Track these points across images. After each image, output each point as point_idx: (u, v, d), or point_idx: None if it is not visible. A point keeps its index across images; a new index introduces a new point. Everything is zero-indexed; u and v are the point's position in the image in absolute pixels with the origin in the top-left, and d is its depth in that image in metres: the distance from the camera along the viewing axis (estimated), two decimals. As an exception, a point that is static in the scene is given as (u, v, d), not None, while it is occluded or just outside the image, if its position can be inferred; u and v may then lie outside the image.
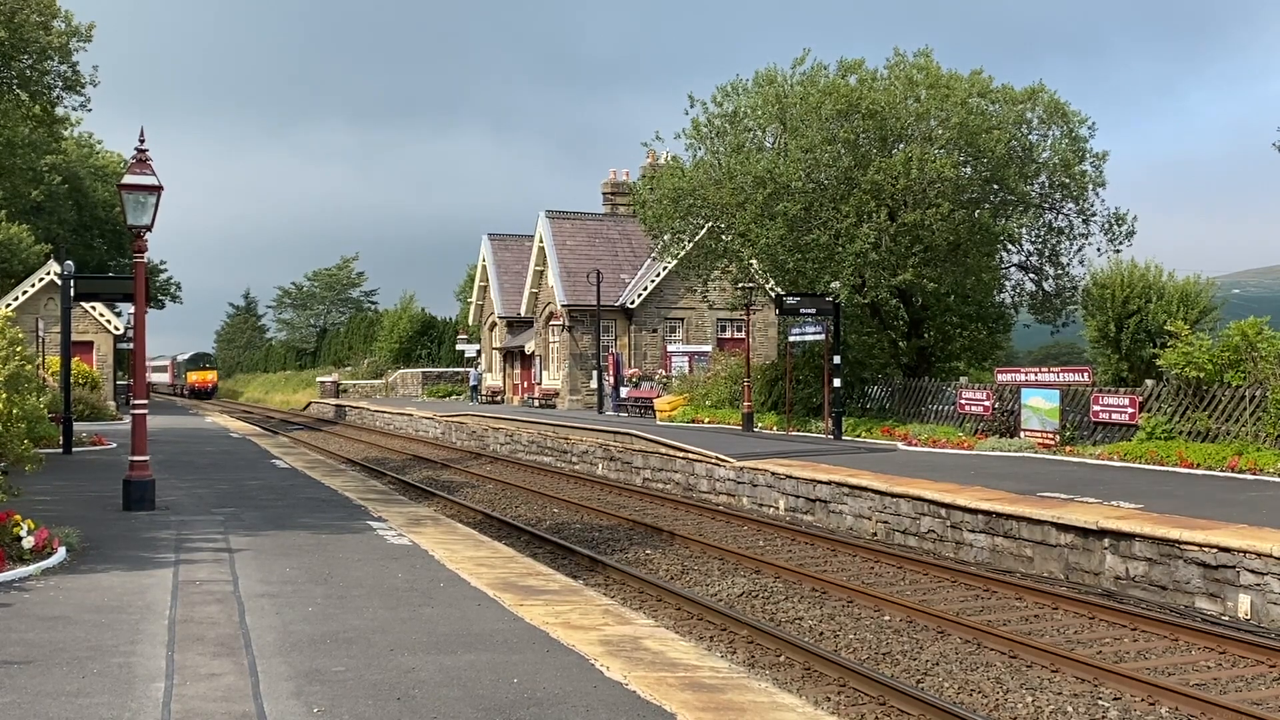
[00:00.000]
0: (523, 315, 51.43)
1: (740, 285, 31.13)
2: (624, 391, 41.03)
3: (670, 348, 44.69)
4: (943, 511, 15.52)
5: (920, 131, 26.93)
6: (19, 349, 13.68)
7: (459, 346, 62.73)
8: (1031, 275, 30.52)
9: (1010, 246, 29.75)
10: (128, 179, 15.56)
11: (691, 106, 29.51)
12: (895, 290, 28.62)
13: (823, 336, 27.82)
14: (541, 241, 47.26)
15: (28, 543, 11.32)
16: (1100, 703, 8.88)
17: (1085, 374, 23.53)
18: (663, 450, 24.96)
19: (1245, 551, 11.26)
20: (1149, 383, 22.18)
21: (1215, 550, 11.58)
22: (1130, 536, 12.58)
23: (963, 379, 28.94)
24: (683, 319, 45.20)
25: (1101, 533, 12.94)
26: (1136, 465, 18.90)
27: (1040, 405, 23.15)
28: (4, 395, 12.64)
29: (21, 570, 10.77)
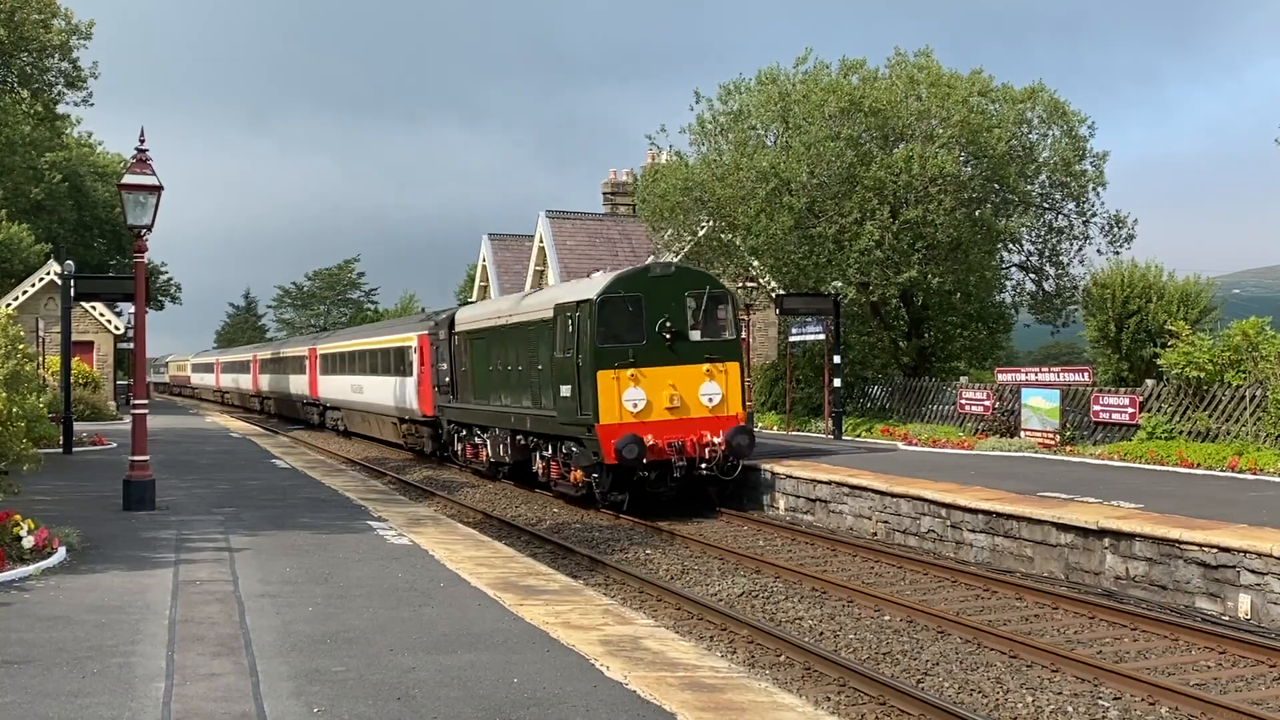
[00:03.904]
0: (523, 315, 51.24)
1: (741, 285, 31.12)
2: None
3: (671, 347, 44.30)
4: (943, 511, 15.51)
5: (922, 130, 26.96)
6: (21, 346, 13.69)
7: (460, 346, 62.49)
8: (1031, 275, 30.53)
9: (1010, 246, 29.78)
10: (128, 179, 15.57)
11: (697, 102, 29.52)
12: (897, 289, 28.64)
13: (823, 336, 27.81)
14: (542, 241, 47.27)
15: (28, 542, 11.33)
16: (1100, 702, 8.87)
17: (1085, 374, 23.52)
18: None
19: (1245, 551, 11.25)
20: (1149, 383, 22.17)
21: (1215, 550, 11.57)
22: (1130, 536, 12.57)
23: (963, 379, 28.93)
24: (683, 318, 44.87)
25: (1102, 532, 12.93)
26: (1137, 465, 18.89)
27: (1040, 405, 23.14)
28: (3, 395, 12.64)
29: (21, 570, 10.78)
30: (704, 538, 16.67)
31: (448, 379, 26.55)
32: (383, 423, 34.81)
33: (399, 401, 31.33)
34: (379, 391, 33.66)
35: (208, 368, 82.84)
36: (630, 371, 18.18)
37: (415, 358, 29.73)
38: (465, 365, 25.42)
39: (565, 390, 18.89)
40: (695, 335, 18.73)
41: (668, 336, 18.43)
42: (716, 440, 18.17)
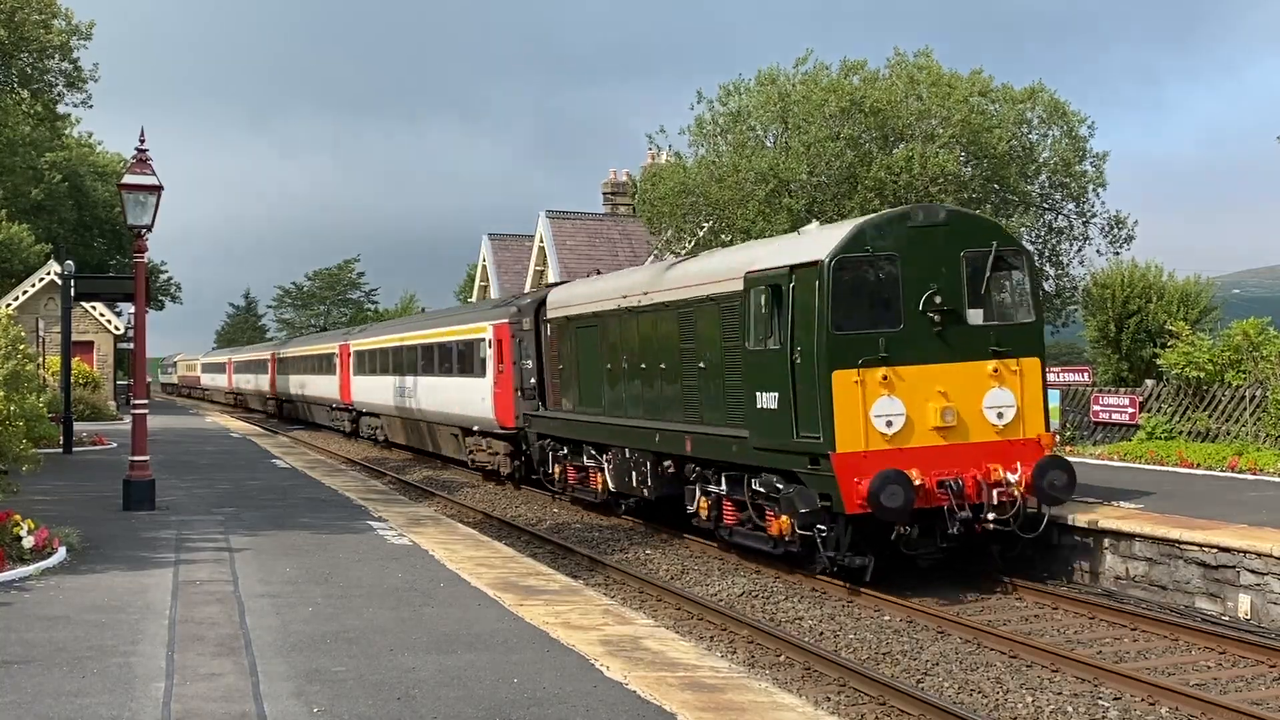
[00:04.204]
0: (523, 315, 51.03)
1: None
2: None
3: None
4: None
5: (922, 130, 27.00)
6: (21, 346, 13.71)
7: (460, 346, 62.16)
8: (1032, 275, 30.54)
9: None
10: (128, 179, 15.61)
11: (698, 102, 29.56)
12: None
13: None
14: (541, 241, 47.30)
15: (28, 542, 11.34)
16: (1100, 703, 8.87)
17: (1085, 374, 23.53)
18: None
19: (1245, 551, 11.25)
20: (1149, 383, 22.18)
21: (1215, 550, 11.57)
22: (1130, 536, 12.56)
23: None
24: (684, 319, 44.63)
25: (1101, 532, 12.92)
26: (1137, 465, 18.89)
27: (1040, 405, 23.13)
28: (2, 395, 12.66)
29: (21, 570, 10.79)
30: (704, 538, 16.07)
31: (534, 380, 21.05)
32: (441, 435, 28.23)
33: (465, 409, 25.01)
34: (437, 396, 27.49)
35: (219, 367, 74.89)
36: (882, 372, 12.13)
37: (490, 353, 23.41)
38: (568, 362, 19.48)
39: (767, 398, 12.95)
40: (976, 317, 12.74)
41: (936, 318, 12.38)
42: (1012, 478, 12.27)
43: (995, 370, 12.60)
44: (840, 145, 26.38)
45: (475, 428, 24.71)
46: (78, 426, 28.38)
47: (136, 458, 15.68)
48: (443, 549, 12.79)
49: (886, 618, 11.73)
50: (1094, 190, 28.57)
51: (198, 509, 16.06)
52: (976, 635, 10.81)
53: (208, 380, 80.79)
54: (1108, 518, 12.89)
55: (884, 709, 8.86)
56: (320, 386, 42.93)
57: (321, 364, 43.06)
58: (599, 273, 22.12)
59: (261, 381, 58.22)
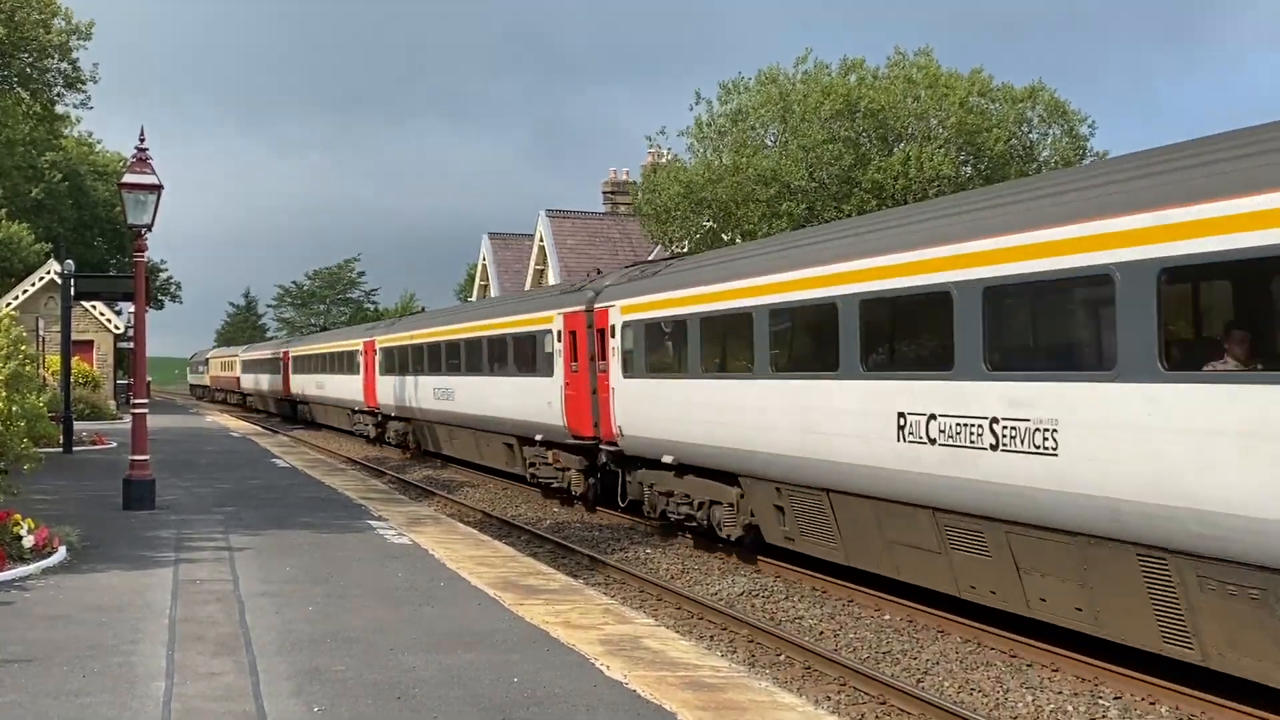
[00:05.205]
0: (523, 315, 50.91)
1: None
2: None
3: (673, 347, 43.86)
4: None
5: (920, 131, 27.01)
6: (23, 347, 13.72)
7: (461, 346, 61.59)
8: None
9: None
10: (128, 178, 15.62)
11: (697, 103, 29.57)
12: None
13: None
14: (542, 241, 47.33)
15: (28, 542, 11.34)
16: (1100, 702, 8.87)
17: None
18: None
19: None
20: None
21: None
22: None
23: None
24: (685, 318, 44.38)
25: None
26: None
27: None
28: (4, 394, 12.67)
29: (22, 569, 10.79)
30: (701, 539, 16.23)
31: None
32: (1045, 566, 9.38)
33: None
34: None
35: (269, 365, 55.29)
36: None
37: None
38: None
39: None
40: None
41: None
42: None
43: None
44: (838, 148, 26.40)
45: None
46: (78, 426, 28.38)
47: (137, 457, 15.68)
48: (443, 548, 12.79)
49: (887, 617, 11.73)
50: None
51: (198, 508, 16.06)
52: (977, 635, 10.81)
53: (250, 382, 63.06)
54: None
55: (884, 708, 8.86)
56: (485, 399, 23.75)
57: (481, 355, 24.19)
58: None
59: (347, 385, 38.09)
